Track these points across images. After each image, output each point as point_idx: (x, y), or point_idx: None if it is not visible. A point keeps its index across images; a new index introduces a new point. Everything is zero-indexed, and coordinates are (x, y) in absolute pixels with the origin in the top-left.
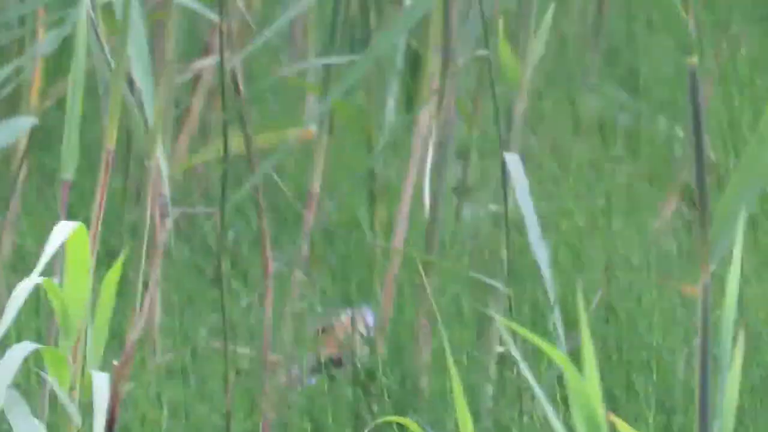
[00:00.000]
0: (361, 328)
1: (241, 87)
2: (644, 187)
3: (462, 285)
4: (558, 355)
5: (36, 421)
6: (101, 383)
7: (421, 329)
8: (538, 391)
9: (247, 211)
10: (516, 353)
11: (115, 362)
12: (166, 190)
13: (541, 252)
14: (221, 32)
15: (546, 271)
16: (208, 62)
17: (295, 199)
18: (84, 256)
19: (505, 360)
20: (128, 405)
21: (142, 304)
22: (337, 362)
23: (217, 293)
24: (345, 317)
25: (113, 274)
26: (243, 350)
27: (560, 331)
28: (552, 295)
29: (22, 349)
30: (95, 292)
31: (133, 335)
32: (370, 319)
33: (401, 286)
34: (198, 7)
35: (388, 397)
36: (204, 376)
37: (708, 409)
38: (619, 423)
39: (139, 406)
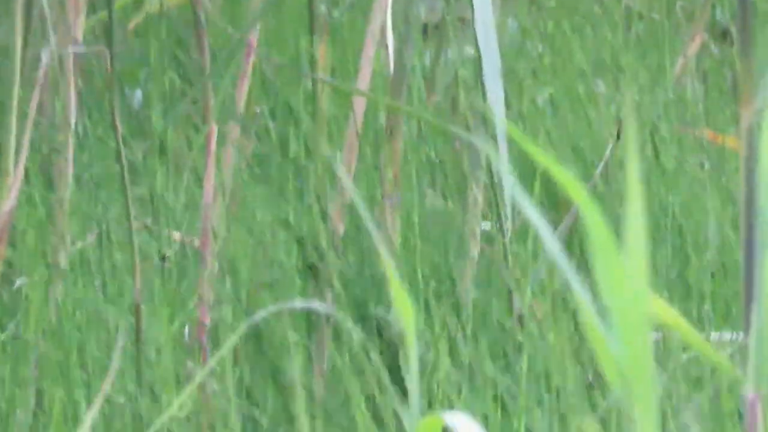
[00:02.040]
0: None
1: None
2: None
3: (434, 139)
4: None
5: None
6: None
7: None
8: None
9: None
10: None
11: None
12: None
13: (497, 101)
14: None
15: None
16: None
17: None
18: None
19: (489, 239)
20: (18, 306)
21: (17, 160)
22: None
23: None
24: None
25: None
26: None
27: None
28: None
29: None
30: None
31: (7, 204)
32: None
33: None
34: None
35: (344, 286)
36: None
37: (755, 278)
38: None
39: (32, 307)
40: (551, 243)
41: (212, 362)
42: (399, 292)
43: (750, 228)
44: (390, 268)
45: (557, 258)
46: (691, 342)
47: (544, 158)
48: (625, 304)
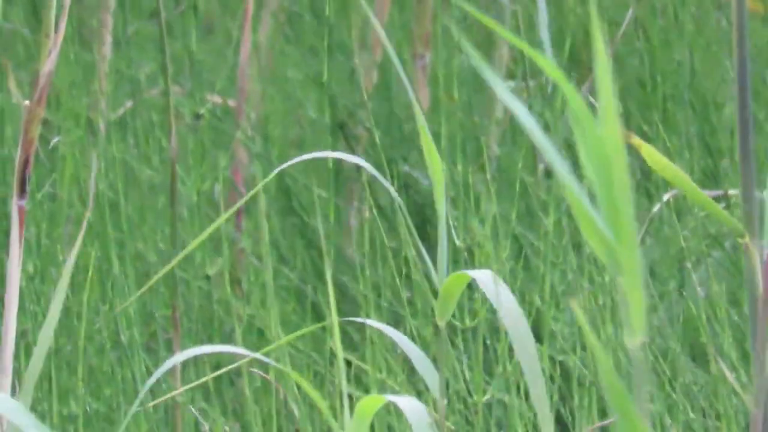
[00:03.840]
0: None
1: None
2: None
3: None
4: (555, 72)
5: None
6: None
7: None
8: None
9: None
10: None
11: (26, 101)
12: None
13: None
14: None
15: None
16: None
17: None
18: None
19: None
20: (54, 161)
21: (57, 21)
22: None
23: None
24: None
25: None
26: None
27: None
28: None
29: None
30: None
31: (47, 64)
32: None
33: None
34: None
35: (372, 144)
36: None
37: (749, 147)
38: (644, 147)
39: (67, 165)
40: (574, 100)
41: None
42: (429, 147)
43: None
44: (421, 122)
45: (579, 114)
46: (696, 199)
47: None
48: (603, 170)
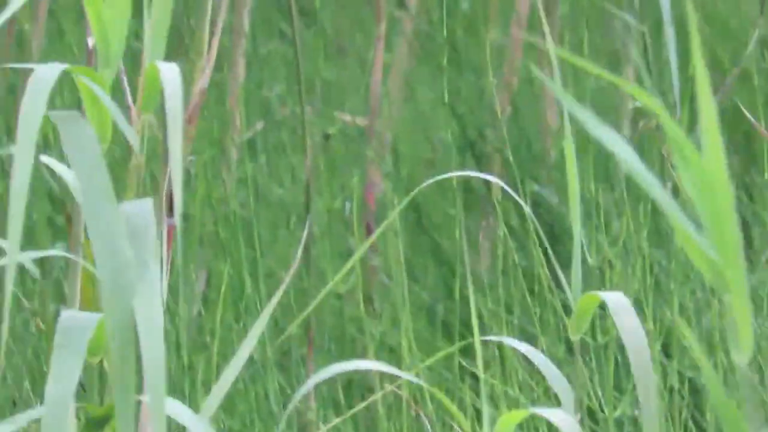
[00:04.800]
0: None
1: None
2: None
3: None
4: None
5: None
6: (170, 77)
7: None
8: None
9: None
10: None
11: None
12: None
13: None
14: None
15: None
16: None
17: None
18: None
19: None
20: (197, 178)
21: (210, 41)
22: None
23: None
24: None
25: None
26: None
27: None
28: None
29: (50, 69)
30: None
31: (199, 84)
32: None
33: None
34: None
35: (503, 163)
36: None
37: None
38: None
39: (200, 184)
40: (675, 132)
41: (374, 236)
42: (571, 166)
43: None
44: (569, 141)
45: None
46: None
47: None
48: (707, 196)
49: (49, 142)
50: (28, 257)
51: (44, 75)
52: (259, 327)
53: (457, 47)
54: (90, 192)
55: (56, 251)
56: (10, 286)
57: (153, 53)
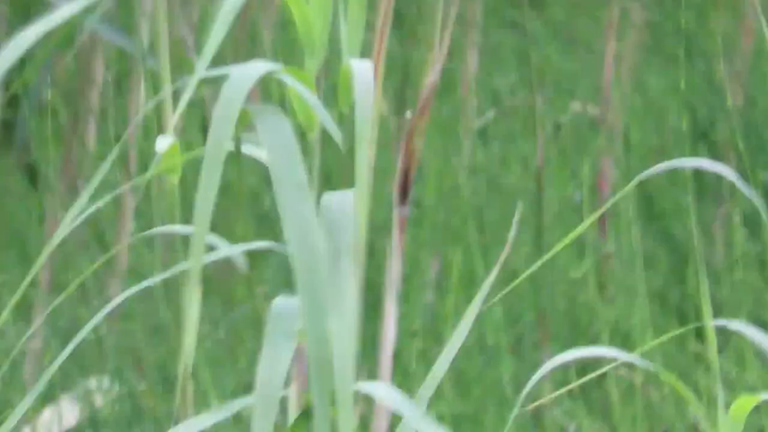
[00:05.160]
0: None
1: None
2: None
3: None
4: None
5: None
6: (363, 76)
7: None
8: None
9: None
10: None
11: (409, 113)
12: None
13: None
14: None
15: None
16: None
17: None
18: None
19: None
20: (429, 167)
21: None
22: None
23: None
24: None
25: None
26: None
27: None
28: None
29: (255, 69)
30: None
31: (431, 77)
32: None
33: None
34: None
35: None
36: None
37: None
38: None
39: (432, 172)
40: None
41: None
42: None
43: None
44: None
45: None
46: None
47: None
48: None
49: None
50: (238, 249)
51: (246, 73)
52: (471, 314)
53: (688, 35)
54: (285, 184)
55: (262, 244)
56: (195, 295)
57: (350, 50)
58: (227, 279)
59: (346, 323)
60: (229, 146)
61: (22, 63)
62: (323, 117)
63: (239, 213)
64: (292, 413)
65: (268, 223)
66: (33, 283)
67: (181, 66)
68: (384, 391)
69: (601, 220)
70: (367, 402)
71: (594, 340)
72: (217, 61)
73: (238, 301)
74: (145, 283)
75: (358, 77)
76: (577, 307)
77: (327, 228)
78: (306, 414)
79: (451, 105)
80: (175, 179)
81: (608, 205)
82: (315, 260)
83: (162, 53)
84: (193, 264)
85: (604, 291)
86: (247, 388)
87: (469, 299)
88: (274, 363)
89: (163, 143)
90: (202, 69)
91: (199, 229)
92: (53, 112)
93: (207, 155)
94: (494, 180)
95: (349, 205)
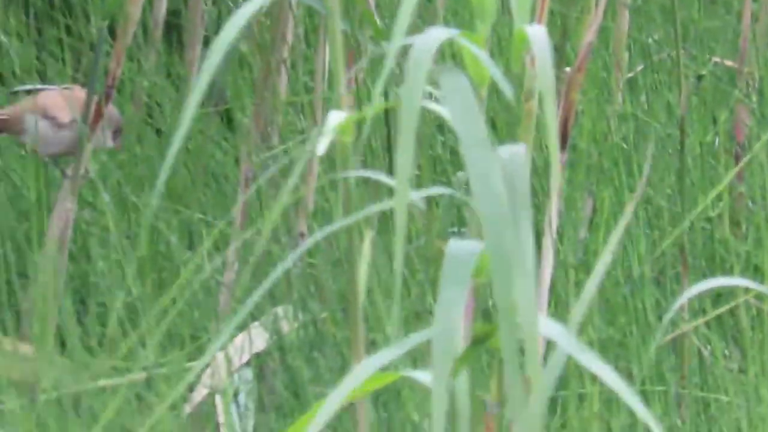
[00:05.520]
0: None
1: None
2: None
3: None
4: None
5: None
6: (539, 40)
7: None
8: None
9: None
10: None
11: (568, 69)
12: None
13: None
14: None
15: None
16: None
17: None
18: None
19: None
20: (584, 115)
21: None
22: None
23: None
24: None
25: None
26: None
27: None
28: None
29: (438, 34)
30: None
31: (588, 37)
32: None
33: None
34: None
35: None
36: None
37: None
38: None
39: (585, 120)
40: None
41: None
42: None
43: None
44: None
45: None
46: None
47: None
48: None
49: None
50: (420, 194)
51: (430, 38)
52: (611, 246)
53: None
54: (468, 137)
55: (440, 189)
56: (402, 231)
57: (519, 17)
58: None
59: (526, 266)
60: (421, 102)
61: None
62: (496, 75)
63: (417, 157)
64: (462, 345)
65: (441, 165)
66: (228, 220)
67: (361, 23)
68: (542, 321)
69: (737, 162)
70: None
71: (728, 272)
72: (392, 21)
73: (412, 237)
74: (328, 228)
75: (534, 40)
76: (714, 242)
77: (505, 178)
78: (476, 345)
79: (603, 59)
80: (348, 139)
81: (748, 158)
82: (498, 209)
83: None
84: (399, 202)
85: (738, 228)
86: (417, 316)
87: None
88: (451, 301)
89: (334, 119)
90: (398, 37)
91: (401, 175)
92: (248, 64)
93: (404, 111)
94: (642, 126)
95: (523, 156)
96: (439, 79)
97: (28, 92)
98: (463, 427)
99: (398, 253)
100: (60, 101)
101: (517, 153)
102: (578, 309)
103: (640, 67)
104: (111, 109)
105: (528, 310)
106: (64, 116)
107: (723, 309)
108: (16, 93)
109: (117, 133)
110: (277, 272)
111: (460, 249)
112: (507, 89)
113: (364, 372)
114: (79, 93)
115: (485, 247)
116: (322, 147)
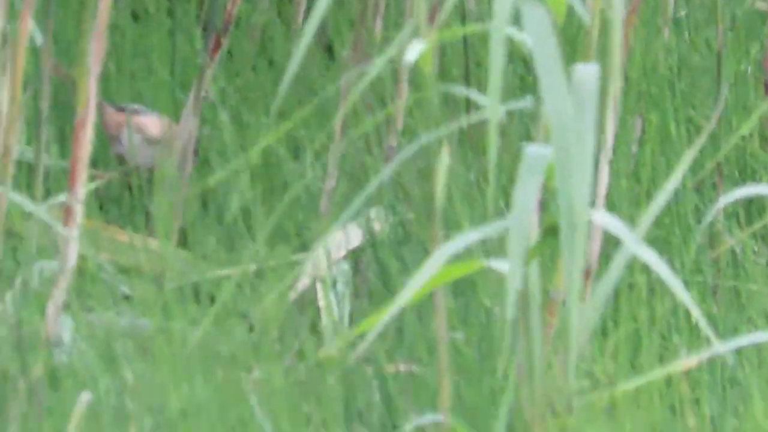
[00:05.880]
0: None
1: None
2: None
3: None
4: None
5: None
6: None
7: None
8: None
9: None
10: None
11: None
12: None
13: None
14: None
15: None
16: None
17: None
18: None
19: None
20: (635, 49)
21: None
22: None
23: None
24: None
25: None
26: None
27: None
28: None
29: None
30: None
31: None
32: None
33: None
34: None
35: None
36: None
37: None
38: None
39: (642, 51)
40: None
41: None
42: None
43: None
44: None
45: None
46: None
47: None
48: None
49: None
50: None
51: None
52: (685, 162)
53: None
54: (543, 59)
55: (522, 103)
56: (494, 136)
57: None
58: (479, 130)
59: (586, 169)
60: (507, 32)
61: None
62: (576, 5)
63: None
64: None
65: (511, 91)
66: (329, 135)
67: None
68: (604, 219)
69: (766, 89)
70: None
71: (758, 181)
72: None
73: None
74: (415, 144)
75: None
76: (747, 156)
77: (575, 94)
78: (546, 237)
79: (653, 1)
80: (428, 69)
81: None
82: (565, 119)
83: None
84: (492, 114)
85: (766, 143)
86: (491, 219)
87: (663, 151)
88: (526, 194)
89: (414, 51)
90: None
91: (493, 89)
92: (347, 2)
93: (493, 39)
94: (685, 59)
95: (594, 74)
96: (522, 10)
97: (134, 111)
98: (535, 312)
99: (491, 153)
100: (155, 123)
101: (588, 71)
102: (647, 216)
103: (684, 9)
104: (175, 130)
105: (582, 204)
106: (156, 135)
107: (753, 213)
108: (122, 109)
109: (195, 153)
110: (375, 182)
111: (535, 153)
112: (586, 17)
113: (442, 256)
114: (171, 122)
115: (552, 155)
116: (411, 54)
